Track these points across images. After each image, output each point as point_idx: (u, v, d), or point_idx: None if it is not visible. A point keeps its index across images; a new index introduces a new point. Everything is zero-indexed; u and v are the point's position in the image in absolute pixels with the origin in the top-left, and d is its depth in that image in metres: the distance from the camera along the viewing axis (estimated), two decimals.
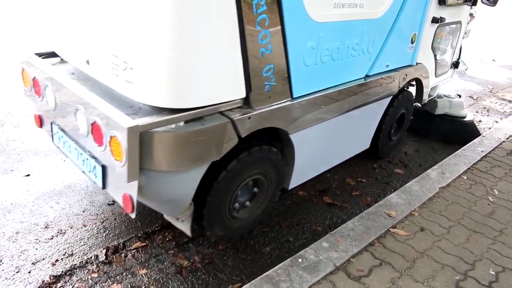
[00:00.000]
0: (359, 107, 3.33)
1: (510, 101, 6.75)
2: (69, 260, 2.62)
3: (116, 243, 2.79)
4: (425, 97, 4.49)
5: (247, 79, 2.29)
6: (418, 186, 3.57)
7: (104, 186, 2.31)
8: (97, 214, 3.06)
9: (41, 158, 3.65)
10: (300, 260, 2.56)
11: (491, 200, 3.51)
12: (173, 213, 2.52)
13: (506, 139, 4.80)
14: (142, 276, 2.56)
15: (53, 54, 2.90)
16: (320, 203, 3.49)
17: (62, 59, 2.88)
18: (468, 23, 4.77)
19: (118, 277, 2.53)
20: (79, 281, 2.47)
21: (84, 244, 2.76)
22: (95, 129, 2.16)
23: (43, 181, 3.37)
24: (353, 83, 3.14)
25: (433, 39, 4.04)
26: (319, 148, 3.18)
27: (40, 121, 2.85)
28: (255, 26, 2.21)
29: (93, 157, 2.30)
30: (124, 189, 2.15)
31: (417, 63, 3.92)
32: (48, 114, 2.70)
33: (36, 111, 2.87)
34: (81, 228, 2.91)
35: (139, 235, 2.89)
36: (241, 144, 2.40)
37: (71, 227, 2.90)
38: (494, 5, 4.57)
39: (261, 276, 2.43)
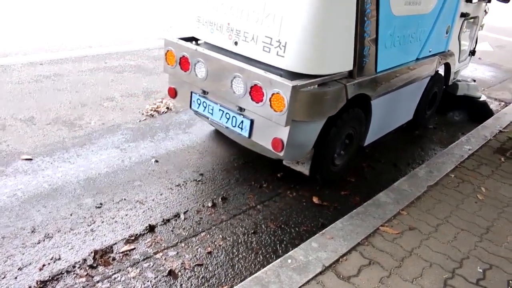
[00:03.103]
0: (409, 84, 4.11)
1: (497, 99, 6.80)
2: (56, 264, 2.59)
3: (104, 247, 2.76)
4: (451, 79, 5.39)
5: (354, 56, 3.12)
6: (407, 184, 3.59)
7: (250, 136, 3.17)
8: (85, 218, 3.03)
9: (27, 161, 3.61)
10: (289, 260, 2.57)
11: (478, 198, 3.54)
12: (297, 156, 3.37)
13: (493, 137, 4.85)
14: (131, 279, 2.54)
15: (191, 39, 3.59)
16: (309, 203, 3.50)
17: (201, 42, 3.58)
18: (483, 18, 5.64)
19: (106, 281, 2.51)
20: (66, 286, 2.45)
21: (71, 248, 2.73)
22: (254, 90, 2.90)
23: (29, 184, 3.33)
24: (409, 64, 3.96)
25: (460, 30, 4.89)
26: (385, 114, 4.01)
27: (174, 93, 3.73)
28: (364, 17, 3.05)
29: (241, 114, 3.16)
30: (274, 134, 3.00)
31: (448, 50, 4.77)
32: (190, 85, 3.48)
33: (171, 84, 3.72)
34: (69, 231, 2.88)
35: (128, 238, 2.87)
36: (345, 106, 3.20)
37: (58, 231, 2.87)
38: (507, 2, 5.34)
39: (250, 277, 2.43)
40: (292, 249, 2.73)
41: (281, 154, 3.03)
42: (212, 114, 3.42)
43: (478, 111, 5.82)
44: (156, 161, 3.83)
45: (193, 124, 4.62)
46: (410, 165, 4.32)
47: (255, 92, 2.90)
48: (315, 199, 3.54)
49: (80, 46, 6.89)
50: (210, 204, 3.32)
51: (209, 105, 3.41)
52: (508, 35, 14.16)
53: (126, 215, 3.10)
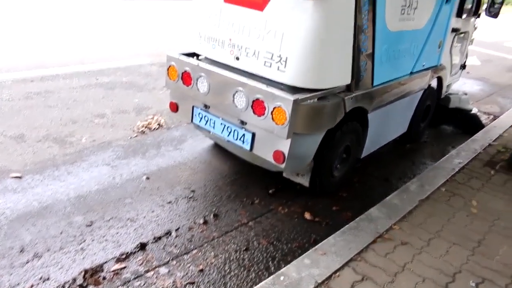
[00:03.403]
0: (403, 97, 4.23)
1: (485, 112, 6.87)
2: (45, 285, 2.56)
3: (94, 266, 2.73)
4: (444, 92, 5.53)
5: (352, 71, 3.23)
6: (398, 199, 3.59)
7: (251, 149, 3.25)
8: (75, 236, 3.00)
9: (16, 179, 3.57)
10: (282, 278, 2.55)
11: (470, 211, 3.55)
12: (297, 168, 3.50)
13: (483, 150, 4.88)
14: None
15: (192, 54, 3.65)
16: (301, 219, 3.49)
17: (202, 58, 3.64)
18: (473, 33, 5.79)
19: None
20: None
21: (61, 268, 2.69)
22: (256, 104, 3.01)
23: (18, 202, 3.29)
24: (403, 78, 4.06)
25: (451, 45, 5.03)
26: (381, 127, 4.11)
27: (176, 107, 3.79)
28: (361, 33, 3.15)
29: (243, 128, 3.24)
30: (276, 147, 3.09)
31: (440, 64, 4.88)
32: (192, 100, 3.57)
33: (172, 99, 3.79)
34: (59, 251, 2.84)
35: (119, 256, 2.84)
36: (343, 119, 3.29)
37: (48, 250, 2.83)
38: (496, 17, 5.50)
39: None
40: (284, 266, 2.71)
41: (282, 166, 3.12)
42: (213, 127, 3.50)
43: (470, 124, 5.94)
44: (148, 178, 3.81)
45: (184, 140, 4.61)
46: (402, 179, 4.33)
47: (257, 106, 3.02)
48: (307, 215, 3.53)
49: (72, 62, 6.88)
50: (201, 221, 3.30)
51: (210, 119, 3.49)
52: (495, 50, 14.38)
53: (117, 233, 3.07)
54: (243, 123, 3.24)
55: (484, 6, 5.53)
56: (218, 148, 4.47)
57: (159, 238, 3.07)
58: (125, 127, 4.77)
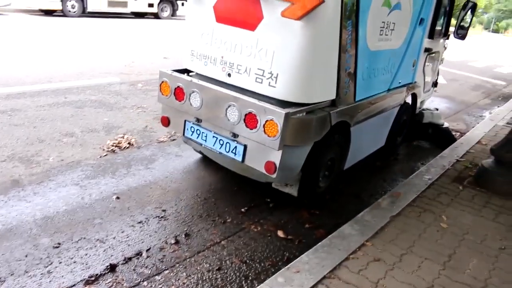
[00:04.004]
0: (382, 112, 4.47)
1: (452, 129, 7.04)
2: None
3: None
4: (418, 108, 5.85)
5: (337, 87, 3.42)
6: (370, 216, 3.62)
7: (243, 160, 3.39)
8: (41, 259, 2.89)
9: None
10: None
11: (440, 226, 3.60)
12: (287, 179, 3.63)
13: (451, 166, 4.99)
14: None
15: (183, 71, 3.80)
16: (274, 237, 3.47)
17: (193, 74, 3.79)
18: (443, 53, 6.21)
19: None
20: None
21: None
22: (249, 117, 3.15)
23: None
24: (381, 94, 4.31)
25: (424, 64, 5.34)
26: (362, 140, 4.30)
27: (167, 121, 3.90)
28: (345, 52, 3.34)
29: (235, 140, 3.38)
30: (267, 158, 3.24)
31: (415, 82, 5.17)
32: (184, 114, 3.70)
33: (164, 113, 3.90)
34: (23, 274, 2.73)
35: (87, 278, 2.75)
36: (329, 132, 3.46)
37: (11, 274, 2.72)
38: (463, 39, 5.94)
39: None
40: (258, 285, 2.68)
41: (274, 176, 3.27)
42: (205, 141, 3.63)
43: (442, 137, 6.27)
44: (118, 197, 3.73)
45: (155, 159, 4.55)
46: (373, 196, 4.37)
47: (250, 120, 3.17)
48: (280, 233, 3.51)
49: (40, 80, 6.76)
50: (173, 241, 3.24)
51: (202, 132, 3.63)
52: (460, 69, 14.84)
53: (86, 254, 2.98)
54: (235, 135, 3.39)
55: (453, 29, 5.90)
56: (190, 167, 4.43)
57: (130, 259, 3.00)
58: (95, 146, 4.68)
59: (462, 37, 5.88)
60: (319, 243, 3.15)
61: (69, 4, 16.14)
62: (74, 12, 16.38)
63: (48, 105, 5.74)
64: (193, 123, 3.69)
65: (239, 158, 3.41)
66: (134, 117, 5.69)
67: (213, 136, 3.55)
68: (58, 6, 15.95)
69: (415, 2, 4.27)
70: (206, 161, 4.61)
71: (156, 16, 19.73)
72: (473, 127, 7.40)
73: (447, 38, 5.98)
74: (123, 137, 4.95)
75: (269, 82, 3.17)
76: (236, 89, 3.35)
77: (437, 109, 6.70)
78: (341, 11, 3.14)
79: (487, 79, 14.48)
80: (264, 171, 3.30)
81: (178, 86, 3.62)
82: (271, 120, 3.04)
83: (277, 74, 3.12)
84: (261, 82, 3.22)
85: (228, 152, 3.48)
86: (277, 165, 3.22)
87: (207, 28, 3.48)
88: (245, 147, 3.35)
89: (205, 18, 3.48)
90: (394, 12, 3.90)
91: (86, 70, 7.83)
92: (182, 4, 20.73)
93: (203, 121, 3.62)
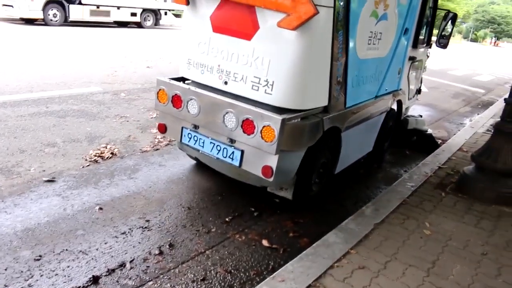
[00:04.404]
0: (370, 118, 4.64)
1: (435, 137, 7.12)
2: None
3: None
4: (403, 115, 6.02)
5: (329, 94, 3.56)
6: (354, 224, 3.63)
7: (240, 165, 3.48)
8: (22, 272, 2.83)
9: None
10: None
11: (423, 233, 3.63)
12: (283, 182, 3.76)
13: (433, 173, 5.05)
14: None
15: (179, 79, 3.87)
16: (258, 246, 3.46)
17: (189, 82, 3.87)
18: (426, 61, 6.44)
19: None
20: None
21: None
22: (246, 123, 3.26)
23: None
24: (370, 101, 4.47)
25: (408, 72, 5.51)
26: (352, 145, 4.43)
27: (164, 128, 3.95)
28: (337, 61, 3.48)
29: (232, 146, 3.47)
30: (264, 162, 3.34)
31: (400, 89, 5.35)
32: (181, 121, 3.77)
33: (161, 120, 3.95)
34: None
35: None
36: (321, 137, 3.59)
37: None
38: (445, 48, 6.11)
39: None
40: None
41: (271, 180, 3.38)
42: (203, 146, 3.71)
43: (426, 142, 6.50)
44: (100, 208, 3.69)
45: (138, 169, 4.52)
46: (357, 204, 4.39)
47: (247, 125, 3.28)
48: (264, 242, 3.50)
49: (20, 90, 6.68)
50: (157, 252, 3.21)
51: (200, 138, 3.71)
52: (440, 77, 15.07)
53: (68, 266, 2.93)
54: (232, 141, 3.47)
55: (435, 38, 6.11)
56: (174, 177, 4.41)
57: (113, 270, 2.95)
58: (77, 156, 4.63)
59: (444, 46, 6.08)
60: (304, 252, 3.15)
61: (50, 13, 16.05)
62: (56, 21, 16.27)
63: (29, 114, 5.66)
64: (190, 130, 3.76)
65: (236, 163, 3.50)
66: (117, 126, 5.65)
67: (211, 142, 3.63)
68: (39, 15, 15.83)
69: (400, 12, 4.44)
70: (190, 170, 4.59)
71: (139, 25, 19.70)
72: (454, 134, 7.52)
73: (430, 47, 6.22)
74: (106, 147, 4.91)
75: (265, 90, 3.29)
76: (232, 96, 3.45)
77: (421, 116, 6.91)
78: (333, 22, 3.28)
79: (467, 87, 14.74)
80: (261, 175, 3.39)
81: (175, 94, 3.69)
82: (268, 125, 3.16)
83: (273, 82, 3.25)
84: (258, 90, 3.34)
85: (225, 157, 3.57)
86: (274, 169, 3.32)
87: (204, 38, 3.57)
88: (242, 152, 3.45)
89: (202, 28, 3.57)
90: (381, 22, 4.05)
91: (68, 79, 7.76)
92: (165, 14, 20.78)
93: (200, 127, 3.69)
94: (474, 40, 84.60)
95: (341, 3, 3.33)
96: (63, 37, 13.42)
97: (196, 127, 3.72)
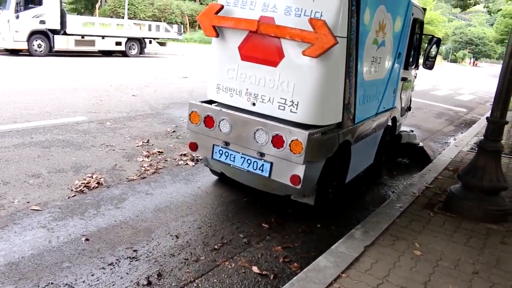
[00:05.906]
0: (372, 133, 5.15)
1: None
2: None
3: None
4: (398, 130, 6.59)
5: (342, 111, 4.04)
6: (344, 247, 3.61)
7: (270, 175, 3.90)
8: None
9: None
10: None
11: (414, 254, 3.62)
12: (307, 190, 4.14)
13: (420, 193, 5.07)
14: None
15: (209, 102, 4.33)
16: (248, 273, 3.41)
17: (217, 104, 4.28)
18: (414, 81, 7.08)
19: None
20: None
21: None
22: (276, 139, 3.73)
23: None
24: (371, 118, 4.95)
25: (400, 91, 6.03)
26: (359, 157, 4.94)
27: (195, 146, 4.36)
28: (349, 82, 3.95)
29: (261, 159, 3.91)
30: (292, 172, 3.78)
31: (395, 107, 5.87)
32: (212, 139, 4.18)
33: (192, 139, 4.36)
34: None
35: None
36: (336, 149, 4.07)
37: None
38: (431, 69, 6.74)
39: None
40: None
41: (299, 187, 3.79)
42: (233, 161, 4.11)
43: (418, 155, 7.15)
44: (87, 239, 3.62)
45: (125, 199, 4.46)
46: (347, 226, 4.36)
47: (277, 140, 3.74)
48: (254, 269, 3.46)
49: (4, 121, 6.61)
50: (145, 282, 3.14)
51: (231, 154, 4.12)
52: (423, 98, 15.30)
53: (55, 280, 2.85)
54: (262, 155, 3.90)
55: (421, 61, 6.75)
56: (161, 206, 4.37)
57: None
58: (62, 187, 4.56)
59: (430, 67, 6.68)
60: (295, 277, 3.12)
61: (35, 43, 16.02)
62: (41, 51, 16.25)
63: (13, 145, 5.60)
64: (221, 147, 4.16)
65: (266, 174, 3.92)
66: (103, 155, 5.60)
67: (241, 157, 4.04)
68: (23, 45, 15.80)
69: (394, 39, 5.00)
70: (177, 198, 4.55)
71: (124, 54, 19.73)
72: (439, 153, 7.59)
73: (417, 69, 6.83)
74: (91, 177, 4.85)
75: (291, 109, 3.77)
76: (258, 116, 3.91)
77: (412, 131, 7.55)
78: (346, 49, 3.77)
79: (449, 107, 14.98)
80: (289, 183, 3.82)
81: (208, 115, 4.12)
82: (296, 139, 3.63)
83: (298, 102, 3.73)
84: (284, 109, 3.81)
85: (255, 169, 3.98)
86: (301, 178, 3.74)
87: (233, 65, 4.03)
88: (271, 164, 3.88)
89: (230, 57, 4.02)
90: (380, 48, 4.63)
91: (53, 109, 7.72)
92: (150, 42, 20.85)
93: (231, 144, 4.08)
94: (454, 61, 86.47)
95: (352, 33, 3.78)
96: (48, 67, 13.39)
97: (227, 144, 4.10)
